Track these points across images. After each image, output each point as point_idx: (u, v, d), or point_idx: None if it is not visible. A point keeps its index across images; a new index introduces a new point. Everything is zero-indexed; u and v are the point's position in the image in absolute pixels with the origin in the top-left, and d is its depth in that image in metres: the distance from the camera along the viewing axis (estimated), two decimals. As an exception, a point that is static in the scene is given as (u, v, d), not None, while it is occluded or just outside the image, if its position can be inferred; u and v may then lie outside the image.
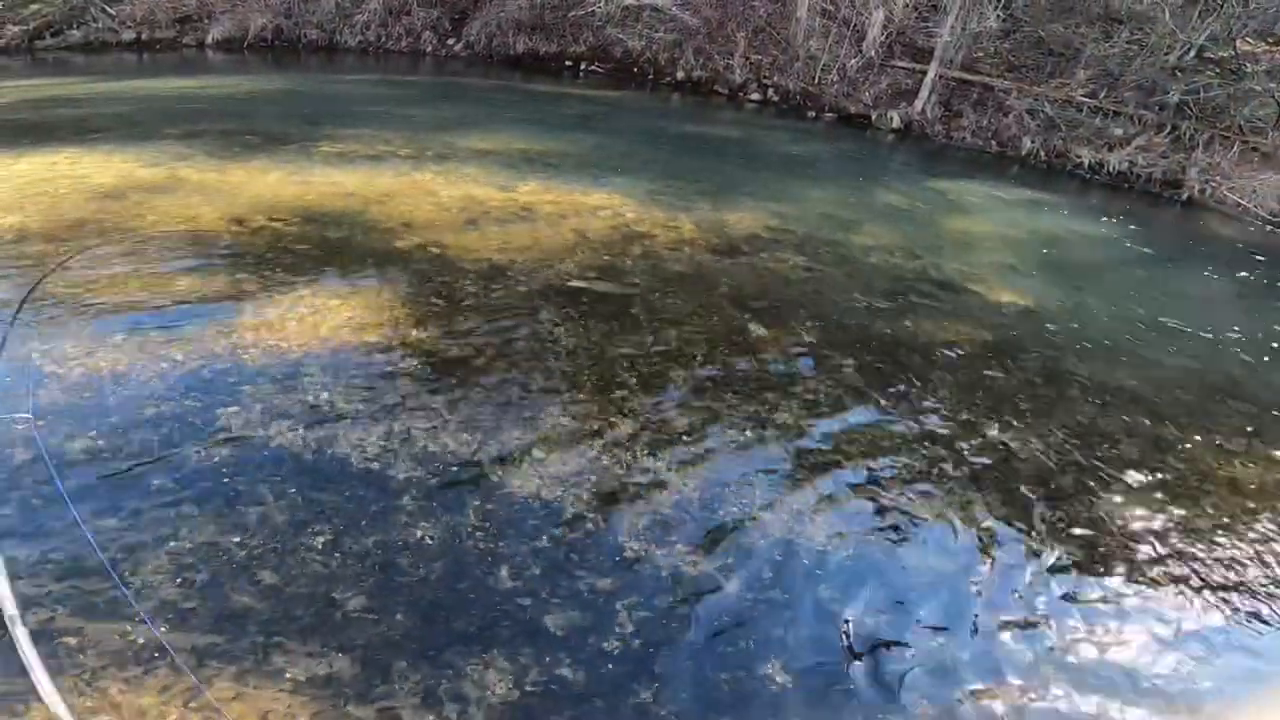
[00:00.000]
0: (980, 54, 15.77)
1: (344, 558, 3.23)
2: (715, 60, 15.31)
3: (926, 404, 5.32)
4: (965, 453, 4.83)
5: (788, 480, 4.29)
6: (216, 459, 3.66)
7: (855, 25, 15.59)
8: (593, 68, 15.57)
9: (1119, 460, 5.09)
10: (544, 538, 3.58)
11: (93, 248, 5.79)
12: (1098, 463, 5.02)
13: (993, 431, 5.13)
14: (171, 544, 3.10)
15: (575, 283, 6.16)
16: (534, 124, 11.39)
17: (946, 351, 6.15)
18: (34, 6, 17.81)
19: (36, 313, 4.72)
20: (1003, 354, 6.32)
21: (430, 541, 3.42)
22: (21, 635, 2.58)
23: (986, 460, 4.80)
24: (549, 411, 4.48)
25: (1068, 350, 6.68)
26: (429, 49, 16.20)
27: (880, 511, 4.18)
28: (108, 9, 17.24)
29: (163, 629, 2.73)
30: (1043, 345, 6.69)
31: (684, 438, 4.45)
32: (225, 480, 3.53)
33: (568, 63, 15.63)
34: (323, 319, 5.05)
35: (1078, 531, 4.32)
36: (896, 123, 15.02)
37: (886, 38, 15.66)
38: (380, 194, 7.65)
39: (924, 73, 15.13)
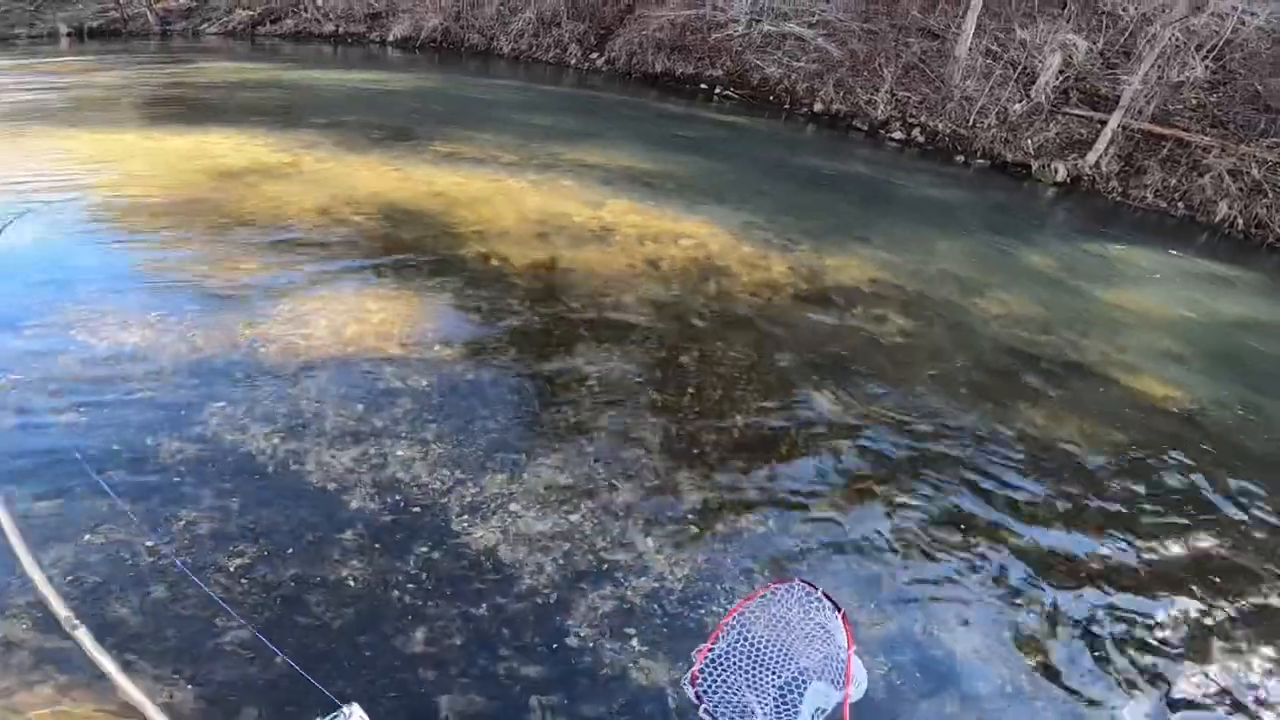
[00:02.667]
0: (1179, 106, 13.65)
1: (250, 584, 2.95)
2: (857, 94, 14.36)
3: (1025, 522, 4.21)
4: (1074, 584, 3.76)
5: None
6: (179, 455, 3.54)
7: (1025, 68, 14.05)
8: (727, 92, 15.16)
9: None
10: (483, 604, 3.11)
11: (185, 225, 6.14)
12: (1249, 617, 3.77)
13: (1114, 558, 4.01)
14: (86, 537, 2.97)
15: (628, 317, 5.69)
16: (651, 143, 11.12)
17: (1063, 452, 4.99)
18: (261, -7, 20.38)
19: (100, 281, 4.98)
20: (1140, 461, 5.04)
21: (353, 584, 3.06)
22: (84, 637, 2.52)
23: (1102, 600, 3.70)
24: (546, 460, 4.02)
25: (1226, 466, 5.25)
26: (573, 61, 16.59)
27: (932, 654, 3.30)
28: (317, 1, 19.36)
29: (24, 624, 2.57)
30: (1195, 456, 5.28)
31: (689, 516, 3.82)
32: (175, 478, 3.40)
33: (703, 85, 15.34)
34: (353, 322, 4.94)
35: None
36: (1062, 175, 13.30)
37: (1061, 82, 13.97)
38: (468, 197, 7.63)
39: (1104, 122, 13.32)
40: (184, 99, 11.39)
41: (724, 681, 2.54)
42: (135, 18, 19.58)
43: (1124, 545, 4.21)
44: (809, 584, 2.67)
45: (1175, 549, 4.26)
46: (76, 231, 5.80)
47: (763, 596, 2.72)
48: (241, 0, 20.36)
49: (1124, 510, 4.52)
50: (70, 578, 2.90)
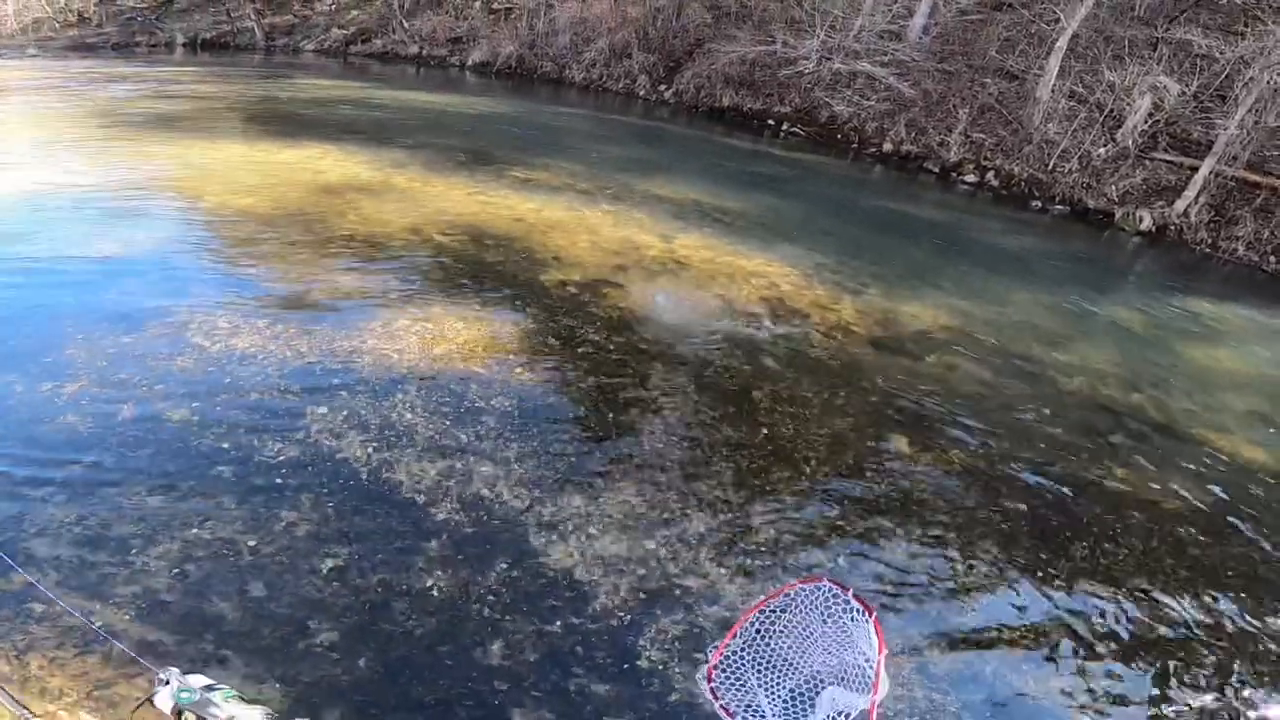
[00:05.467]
0: (1276, 152, 13.07)
1: (341, 587, 3.11)
2: (929, 135, 14.25)
3: (1102, 577, 4.10)
4: (1150, 650, 3.64)
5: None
6: (281, 457, 3.77)
7: (1111, 110, 13.71)
8: (794, 129, 15.26)
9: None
10: (557, 622, 3.20)
11: (291, 237, 6.56)
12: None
13: (1192, 624, 3.84)
14: (192, 531, 3.18)
15: (702, 351, 5.76)
16: (719, 177, 11.29)
17: (1146, 512, 4.79)
18: (353, 14, 21.80)
19: (212, 285, 5.36)
20: (1225, 525, 4.82)
21: (436, 594, 3.19)
22: None
23: (1177, 664, 3.57)
24: (622, 485, 4.10)
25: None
26: (642, 92, 17.03)
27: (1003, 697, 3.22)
28: (404, 23, 20.53)
29: (127, 615, 2.77)
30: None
31: (761, 549, 3.84)
32: (277, 479, 3.61)
33: (770, 121, 15.49)
34: (441, 339, 5.17)
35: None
36: (1147, 224, 12.85)
37: (1150, 126, 13.57)
38: (546, 224, 7.90)
39: (1194, 169, 12.85)
40: (288, 114, 12.22)
41: (738, 679, 2.53)
42: (244, 32, 21.12)
43: (1211, 604, 4.03)
44: (838, 584, 2.55)
45: (1264, 612, 4.05)
46: (192, 237, 6.29)
47: (786, 595, 2.64)
48: (338, 19, 21.75)
49: (1211, 569, 4.33)
50: (175, 570, 3.11)
